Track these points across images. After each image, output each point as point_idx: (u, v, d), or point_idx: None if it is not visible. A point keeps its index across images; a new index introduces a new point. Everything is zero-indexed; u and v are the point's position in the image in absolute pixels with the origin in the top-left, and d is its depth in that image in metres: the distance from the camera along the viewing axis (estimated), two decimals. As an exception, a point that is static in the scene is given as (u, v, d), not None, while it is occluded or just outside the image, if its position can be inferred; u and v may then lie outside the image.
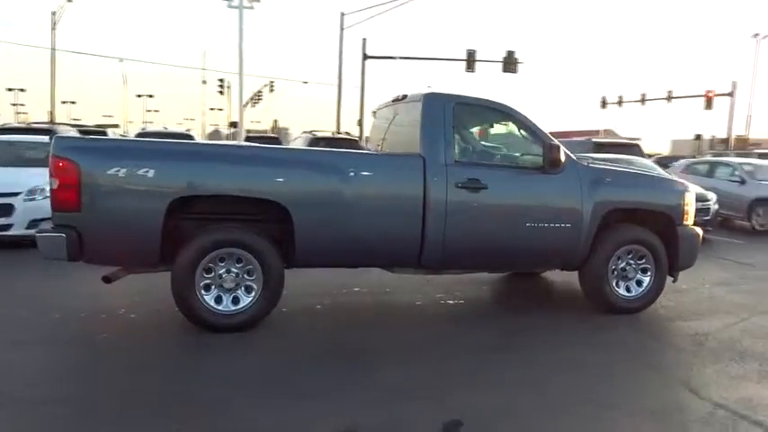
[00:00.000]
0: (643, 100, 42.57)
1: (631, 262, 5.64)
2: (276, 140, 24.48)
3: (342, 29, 31.99)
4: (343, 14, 31.81)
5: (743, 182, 12.55)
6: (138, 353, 4.33)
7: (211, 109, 67.16)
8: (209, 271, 4.69)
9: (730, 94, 37.29)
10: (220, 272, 4.71)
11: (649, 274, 5.67)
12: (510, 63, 32.22)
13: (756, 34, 35.87)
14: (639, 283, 5.67)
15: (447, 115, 5.20)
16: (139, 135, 14.38)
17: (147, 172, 4.48)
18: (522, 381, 3.99)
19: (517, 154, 5.55)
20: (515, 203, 5.33)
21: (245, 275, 4.77)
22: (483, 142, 6.00)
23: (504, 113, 5.53)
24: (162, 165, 4.55)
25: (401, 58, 33.03)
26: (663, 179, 6.13)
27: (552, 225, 5.34)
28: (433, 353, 4.50)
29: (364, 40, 31.68)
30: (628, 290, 5.65)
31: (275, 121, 66.98)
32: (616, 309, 5.57)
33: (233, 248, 4.70)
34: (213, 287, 4.71)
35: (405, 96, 5.76)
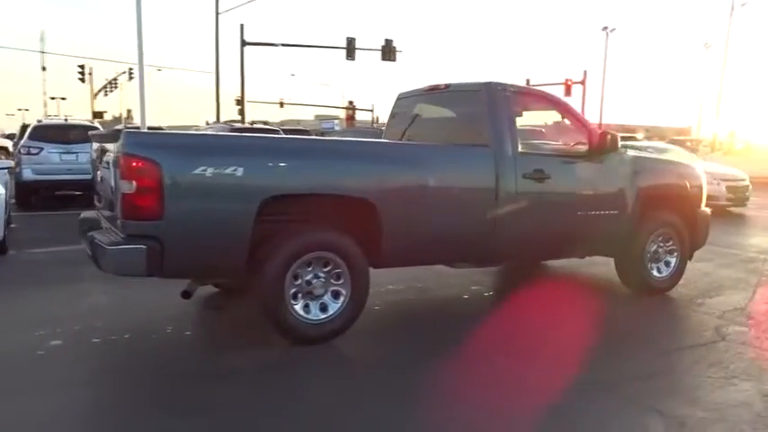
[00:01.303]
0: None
1: (661, 244, 5.94)
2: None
3: (217, 13, 30.47)
4: (217, -2, 30.33)
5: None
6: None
7: (52, 98, 61.16)
8: (295, 277, 4.26)
9: (582, 83, 40.66)
10: (307, 277, 4.30)
11: (675, 255, 6.02)
12: (388, 51, 32.65)
13: (605, 27, 39.14)
14: (668, 264, 6.00)
15: (509, 105, 5.13)
16: (37, 129, 12.65)
17: (235, 170, 3.95)
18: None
19: (567, 143, 5.61)
20: (573, 192, 5.38)
21: (332, 280, 4.39)
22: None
23: (552, 102, 5.55)
24: (252, 162, 4.03)
25: (281, 45, 32.23)
26: (687, 165, 6.49)
27: (603, 212, 5.48)
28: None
29: (242, 25, 30.53)
30: (659, 271, 5.96)
31: (129, 110, 62.41)
32: (652, 290, 5.85)
33: (323, 252, 4.31)
34: (300, 295, 4.29)
35: (448, 86, 5.60)
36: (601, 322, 5.04)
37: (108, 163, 4.32)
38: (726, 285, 6.35)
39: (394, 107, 6.30)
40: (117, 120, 57.46)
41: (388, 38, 32.98)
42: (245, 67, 31.57)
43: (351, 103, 54.50)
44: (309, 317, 4.31)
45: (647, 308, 5.55)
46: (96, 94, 50.93)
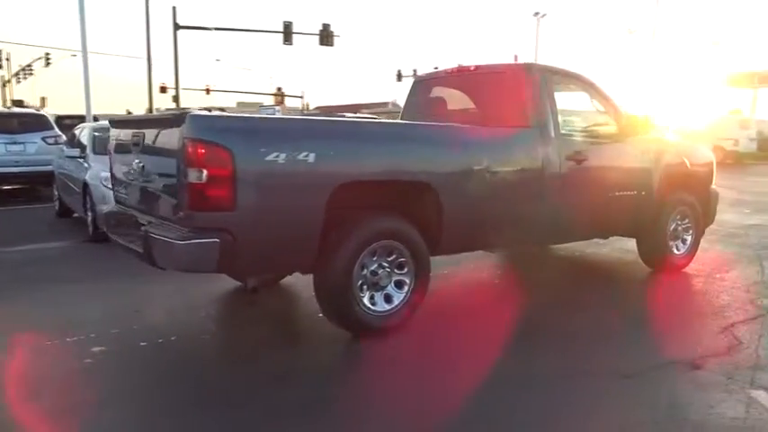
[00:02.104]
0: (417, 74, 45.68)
1: (679, 222, 6.07)
2: None
3: (147, -5, 29.00)
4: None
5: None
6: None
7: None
8: (362, 268, 4.05)
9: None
10: (372, 267, 4.10)
11: (691, 232, 6.18)
12: (326, 36, 32.24)
13: (537, 13, 39.99)
14: (684, 241, 6.14)
15: (548, 86, 5.06)
16: None
17: (306, 156, 3.69)
18: None
19: (598, 124, 5.60)
20: (607, 173, 5.38)
21: (396, 270, 4.21)
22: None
23: (585, 83, 5.53)
24: (324, 147, 3.77)
25: (215, 29, 31.12)
26: (700, 145, 6.65)
27: (632, 192, 5.53)
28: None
29: (174, 8, 29.25)
30: (677, 248, 6.10)
31: (43, 99, 58.59)
32: (673, 268, 5.98)
33: (389, 240, 4.12)
34: (365, 286, 4.09)
35: (478, 67, 5.47)
36: (643, 304, 5.11)
37: (152, 150, 3.97)
38: (731, 260, 6.57)
39: (413, 90, 6.11)
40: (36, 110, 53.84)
41: (326, 22, 32.59)
42: (178, 53, 30.33)
43: (279, 89, 53.51)
44: (376, 308, 4.12)
45: (675, 286, 5.66)
46: (6, 83, 47.75)
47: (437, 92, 5.92)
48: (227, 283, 5.17)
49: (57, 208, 9.82)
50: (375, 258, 4.10)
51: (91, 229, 7.57)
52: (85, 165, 8.02)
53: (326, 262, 3.90)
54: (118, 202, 4.73)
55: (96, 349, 3.94)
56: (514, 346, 3.94)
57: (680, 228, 6.07)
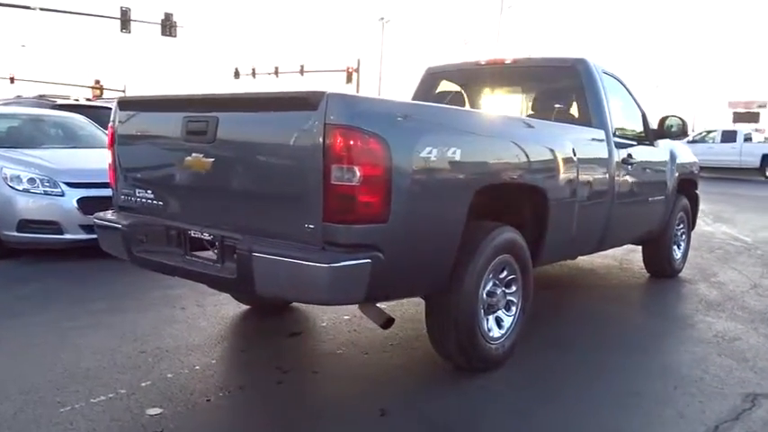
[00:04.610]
0: (276, 72, 44.58)
1: (677, 227, 6.09)
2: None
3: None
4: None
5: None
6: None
7: None
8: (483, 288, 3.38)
9: (357, 70, 41.99)
10: (488, 287, 3.45)
11: (684, 237, 6.24)
12: (168, 26, 30.26)
13: (382, 18, 40.64)
14: (679, 246, 6.18)
15: (602, 84, 4.74)
16: None
17: (454, 153, 2.96)
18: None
19: (629, 124, 5.37)
20: (644, 177, 5.20)
21: (505, 288, 3.59)
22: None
23: (620, 82, 5.27)
24: (471, 142, 3.06)
25: (41, 9, 27.30)
26: (687, 147, 6.70)
27: (657, 198, 5.41)
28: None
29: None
30: (676, 254, 6.11)
31: None
32: (673, 273, 5.98)
33: (506, 254, 3.49)
34: (482, 311, 3.42)
35: (516, 60, 5.00)
36: (662, 309, 5.00)
37: (242, 141, 2.97)
38: (709, 264, 6.75)
39: (424, 85, 5.47)
40: None
41: (169, 11, 30.34)
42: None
43: (98, 81, 48.92)
44: (493, 335, 3.48)
45: (681, 292, 5.63)
46: None
47: (456, 86, 5.35)
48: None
49: None
50: (491, 276, 3.45)
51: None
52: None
53: (455, 283, 3.18)
54: (130, 210, 3.53)
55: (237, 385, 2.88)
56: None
57: (679, 233, 6.10)
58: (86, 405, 2.92)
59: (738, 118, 34.77)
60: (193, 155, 3.07)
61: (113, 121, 3.58)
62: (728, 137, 23.16)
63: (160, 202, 3.36)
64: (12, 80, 48.91)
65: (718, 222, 10.08)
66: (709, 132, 24.44)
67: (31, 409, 2.88)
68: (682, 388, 3.35)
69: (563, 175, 3.88)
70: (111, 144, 3.60)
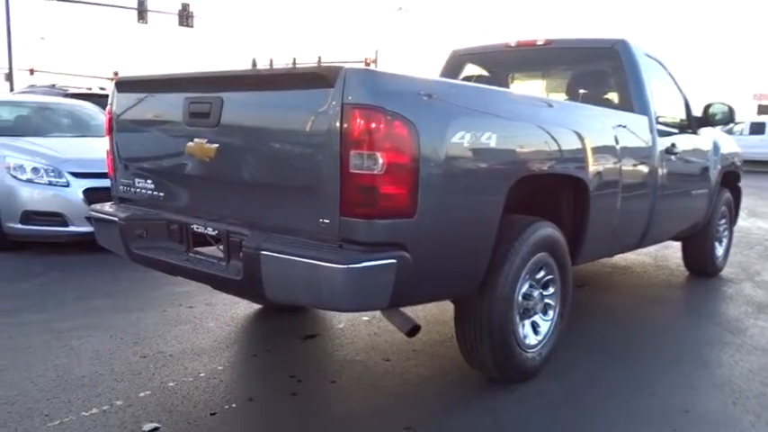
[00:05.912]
0: (294, 63, 44.49)
1: (721, 222, 5.67)
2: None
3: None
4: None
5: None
6: None
7: None
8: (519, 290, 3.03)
9: (374, 61, 41.70)
10: (524, 289, 3.09)
11: (727, 232, 5.82)
12: (185, 16, 30.22)
13: (400, 8, 40.30)
14: (721, 242, 5.76)
15: (644, 68, 4.34)
16: None
17: (489, 139, 2.61)
18: None
19: (673, 112, 4.96)
20: (687, 168, 4.80)
21: (542, 290, 3.23)
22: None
23: (662, 66, 4.85)
24: (506, 127, 2.70)
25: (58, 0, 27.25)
26: (731, 138, 6.28)
27: (700, 191, 5.00)
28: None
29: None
30: (717, 251, 5.69)
31: None
32: (715, 271, 5.58)
33: (544, 253, 3.13)
34: (517, 315, 3.07)
35: (550, 41, 4.61)
36: (709, 312, 4.59)
37: (247, 123, 2.64)
38: (750, 262, 6.32)
39: (449, 65, 5.09)
40: None
41: (185, 2, 30.17)
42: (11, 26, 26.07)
43: (116, 73, 49.01)
44: (529, 342, 3.12)
45: (726, 293, 5.22)
46: None
47: (483, 70, 4.98)
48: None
49: None
50: (528, 277, 3.09)
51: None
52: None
53: (488, 284, 2.83)
54: (130, 201, 3.23)
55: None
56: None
57: (721, 228, 5.68)
58: (77, 419, 2.62)
59: (763, 110, 33.97)
60: (195, 140, 2.74)
61: (111, 105, 3.27)
62: (757, 129, 22.48)
63: (161, 193, 3.04)
64: (31, 72, 49.24)
65: (752, 217, 9.59)
66: (736, 124, 23.73)
67: (15, 422, 2.58)
68: (741, 404, 2.98)
69: (604, 164, 3.51)
70: (109, 130, 3.29)
